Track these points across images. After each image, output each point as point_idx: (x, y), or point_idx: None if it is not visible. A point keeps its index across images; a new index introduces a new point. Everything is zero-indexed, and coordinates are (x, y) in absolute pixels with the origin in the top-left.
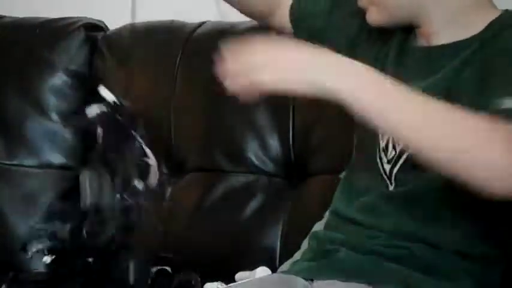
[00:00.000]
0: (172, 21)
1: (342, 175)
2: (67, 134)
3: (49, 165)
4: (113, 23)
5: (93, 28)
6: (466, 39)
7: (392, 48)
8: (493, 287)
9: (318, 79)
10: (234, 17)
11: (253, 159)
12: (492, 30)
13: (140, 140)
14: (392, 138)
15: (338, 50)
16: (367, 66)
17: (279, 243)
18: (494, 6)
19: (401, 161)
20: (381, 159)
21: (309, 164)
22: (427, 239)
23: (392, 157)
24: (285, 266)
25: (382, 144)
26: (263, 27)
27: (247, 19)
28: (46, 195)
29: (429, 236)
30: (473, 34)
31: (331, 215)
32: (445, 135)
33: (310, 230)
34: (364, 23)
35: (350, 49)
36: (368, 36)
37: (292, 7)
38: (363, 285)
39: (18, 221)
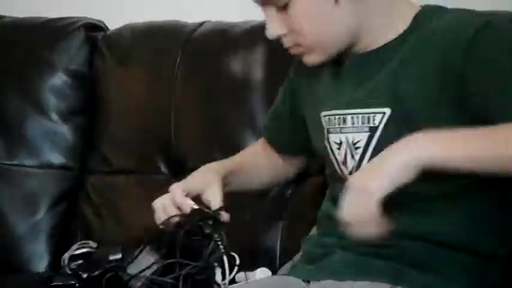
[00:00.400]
0: (172, 21)
1: None
2: (67, 134)
3: (49, 165)
4: (113, 23)
5: (93, 28)
6: (395, 39)
7: (326, 73)
8: (493, 286)
9: (411, 161)
10: (234, 17)
11: None
12: (419, 26)
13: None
14: (350, 151)
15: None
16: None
17: (279, 244)
18: (412, 3)
19: (363, 165)
20: (342, 172)
21: (309, 164)
22: (418, 235)
23: (353, 166)
24: (284, 268)
25: (341, 158)
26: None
27: (248, 19)
28: (46, 195)
29: (419, 232)
30: (400, 32)
31: (323, 219)
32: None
33: (309, 231)
34: (296, 73)
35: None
36: (299, 81)
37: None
38: (358, 283)
39: (18, 221)
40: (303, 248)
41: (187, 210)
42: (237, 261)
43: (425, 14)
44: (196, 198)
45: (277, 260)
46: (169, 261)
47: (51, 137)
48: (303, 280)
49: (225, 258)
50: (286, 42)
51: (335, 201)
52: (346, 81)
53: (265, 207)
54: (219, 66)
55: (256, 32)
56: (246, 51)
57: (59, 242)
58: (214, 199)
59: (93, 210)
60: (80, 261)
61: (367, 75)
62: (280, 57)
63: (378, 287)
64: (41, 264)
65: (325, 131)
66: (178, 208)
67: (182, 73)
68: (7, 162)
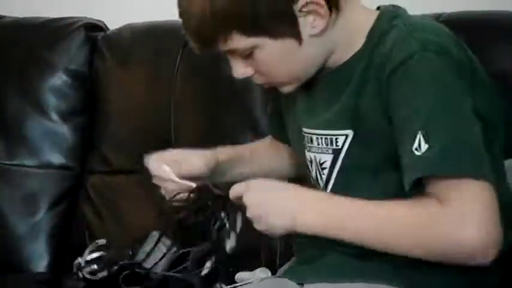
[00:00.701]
0: (172, 21)
1: None
2: (67, 134)
3: (49, 165)
4: (113, 23)
5: (93, 28)
6: (354, 55)
7: (300, 89)
8: (491, 285)
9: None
10: None
11: None
12: (373, 39)
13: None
14: (318, 171)
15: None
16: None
17: (279, 244)
18: (368, 10)
19: (330, 186)
20: (319, 185)
21: None
22: None
23: (322, 186)
24: (284, 268)
25: (314, 175)
26: None
27: None
28: (46, 195)
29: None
30: (359, 48)
31: None
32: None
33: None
34: (276, 98)
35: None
36: (278, 97)
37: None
38: (354, 284)
39: (18, 221)
40: (298, 250)
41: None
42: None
43: (376, 30)
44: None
45: (277, 260)
46: (183, 250)
47: (51, 137)
48: (298, 282)
49: (232, 234)
50: (256, 80)
51: None
52: (317, 101)
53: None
54: (219, 66)
55: None
56: None
57: (59, 242)
58: (194, 167)
59: (93, 210)
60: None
61: (335, 95)
62: None
63: None
64: (41, 264)
65: (304, 146)
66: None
67: (182, 73)
68: (7, 162)
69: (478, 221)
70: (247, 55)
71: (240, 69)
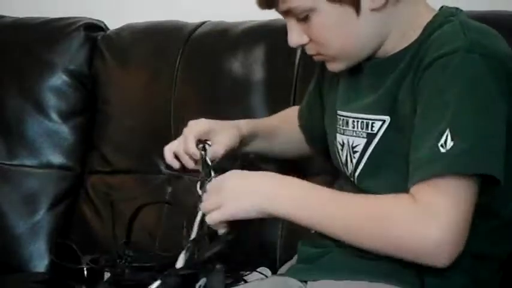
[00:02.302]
0: (172, 21)
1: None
2: (67, 134)
3: (49, 165)
4: (113, 23)
5: (93, 28)
6: (404, 49)
7: (345, 71)
8: (491, 285)
9: (263, 211)
10: (234, 17)
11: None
12: (425, 33)
13: None
14: (350, 154)
15: None
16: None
17: (278, 244)
18: (430, 7)
19: (357, 173)
20: (345, 171)
21: (309, 164)
22: None
23: (351, 170)
24: (284, 268)
25: (343, 159)
26: (262, 28)
27: (247, 19)
28: (46, 195)
29: None
30: (411, 41)
31: None
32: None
33: (309, 231)
34: (318, 74)
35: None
36: (322, 76)
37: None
38: (355, 282)
39: (18, 221)
40: (300, 248)
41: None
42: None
43: (433, 24)
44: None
45: (277, 260)
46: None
47: (51, 137)
48: (301, 280)
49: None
50: (309, 50)
51: None
52: (361, 85)
53: None
54: (219, 66)
55: (256, 32)
56: (246, 51)
57: (59, 242)
58: (217, 147)
59: (93, 210)
60: None
61: (379, 83)
62: (280, 57)
63: (375, 287)
64: (41, 264)
65: (336, 130)
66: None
67: (182, 73)
68: (7, 162)
69: (443, 229)
70: (303, 19)
71: (295, 36)
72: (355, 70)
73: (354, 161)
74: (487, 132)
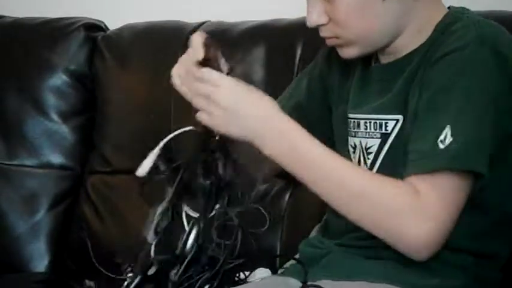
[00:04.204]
0: (172, 21)
1: None
2: (67, 134)
3: (49, 165)
4: (113, 23)
5: (93, 28)
6: (416, 49)
7: (356, 73)
8: (492, 284)
9: (256, 143)
10: (234, 17)
11: None
12: (435, 34)
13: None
14: (363, 156)
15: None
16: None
17: (279, 244)
18: (444, 7)
19: (375, 170)
20: None
21: None
22: None
23: (369, 168)
24: (284, 268)
25: (355, 162)
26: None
27: (247, 19)
28: (46, 195)
29: None
30: (423, 40)
31: (331, 217)
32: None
33: (310, 231)
34: (323, 65)
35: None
36: (329, 68)
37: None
38: (355, 283)
39: (18, 221)
40: (301, 249)
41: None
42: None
43: (444, 23)
44: None
45: (277, 260)
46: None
47: (51, 137)
48: (300, 280)
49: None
50: (325, 32)
51: None
52: (370, 89)
53: (265, 207)
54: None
55: (256, 32)
56: (246, 51)
57: (59, 242)
58: None
59: (93, 210)
60: None
61: (391, 82)
62: (280, 57)
63: (375, 287)
64: (41, 264)
65: (348, 133)
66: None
67: None
68: (7, 162)
69: (437, 222)
70: None
71: (314, 15)
72: (366, 74)
73: (369, 161)
74: (485, 132)
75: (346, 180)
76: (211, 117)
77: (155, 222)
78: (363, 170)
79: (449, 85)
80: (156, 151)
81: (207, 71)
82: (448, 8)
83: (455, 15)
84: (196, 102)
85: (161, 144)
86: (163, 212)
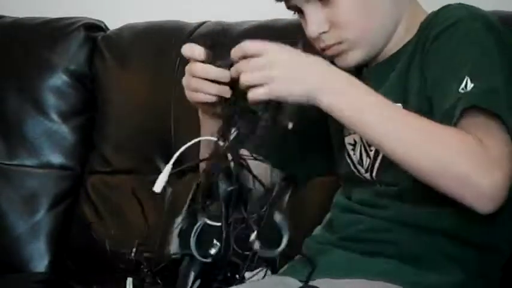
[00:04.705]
0: (172, 21)
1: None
2: (67, 134)
3: (49, 165)
4: (113, 23)
5: (93, 28)
6: (405, 45)
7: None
8: (492, 282)
9: (318, 98)
10: (234, 17)
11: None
12: (423, 28)
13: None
14: (365, 149)
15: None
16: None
17: None
18: (423, 10)
19: (377, 165)
20: (359, 171)
21: None
22: (416, 225)
23: (368, 164)
24: (284, 268)
25: (356, 158)
26: (262, 28)
27: (247, 19)
28: (46, 195)
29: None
30: (411, 37)
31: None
32: (416, 144)
33: (310, 231)
34: None
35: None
36: None
37: None
38: (354, 280)
39: (18, 221)
40: (305, 244)
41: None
42: None
43: (427, 18)
44: None
45: (278, 260)
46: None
47: (51, 137)
48: (300, 280)
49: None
50: (328, 40)
51: (350, 199)
52: (367, 82)
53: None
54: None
55: (256, 32)
56: None
57: (59, 242)
58: None
59: (93, 210)
60: None
61: (383, 79)
62: None
63: (374, 285)
64: (41, 264)
65: (343, 132)
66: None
67: (182, 73)
68: (7, 162)
69: (503, 173)
70: (328, 0)
71: (315, 25)
72: (358, 76)
73: (371, 153)
74: (503, 81)
75: (413, 124)
76: (270, 85)
77: (176, 232)
78: (428, 120)
79: (455, 51)
80: (169, 166)
81: (245, 44)
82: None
83: (436, 11)
84: (246, 79)
85: (174, 157)
86: (183, 221)
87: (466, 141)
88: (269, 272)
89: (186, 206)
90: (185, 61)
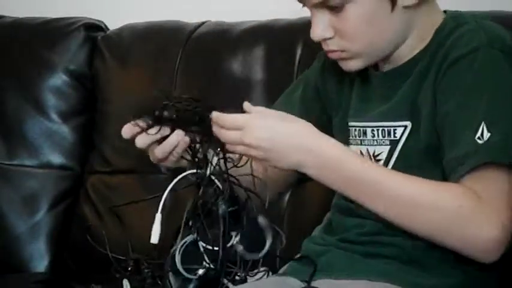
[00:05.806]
0: (172, 21)
1: None
2: (67, 134)
3: (49, 165)
4: (113, 23)
5: (93, 28)
6: (418, 53)
7: (356, 80)
8: (490, 283)
9: (304, 170)
10: (234, 17)
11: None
12: (438, 38)
13: None
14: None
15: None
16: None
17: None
18: (441, 12)
19: None
20: None
21: None
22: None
23: None
24: (284, 268)
25: None
26: (262, 28)
27: (247, 19)
28: (46, 195)
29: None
30: (424, 46)
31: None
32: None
33: (310, 231)
34: (317, 75)
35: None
36: (324, 78)
37: None
38: (355, 281)
39: (18, 221)
40: (304, 245)
41: None
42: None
43: (446, 25)
44: None
45: (277, 260)
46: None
47: (51, 137)
48: (301, 280)
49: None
50: (331, 46)
51: (352, 201)
52: (372, 96)
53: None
54: (219, 66)
55: (256, 32)
56: (246, 51)
57: (59, 242)
58: None
59: (93, 210)
60: None
61: (392, 91)
62: (280, 57)
63: (375, 286)
64: (41, 264)
65: (348, 142)
66: None
67: (182, 73)
68: (7, 162)
69: (503, 224)
70: (336, 9)
71: (320, 29)
72: (366, 81)
73: (380, 163)
74: None
75: (403, 196)
76: (255, 158)
77: (178, 257)
78: (415, 179)
79: (471, 86)
80: (159, 214)
81: (225, 116)
82: (444, 12)
83: (456, 20)
84: (233, 149)
85: (163, 198)
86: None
87: (462, 204)
88: (269, 272)
89: (182, 224)
90: (185, 61)
